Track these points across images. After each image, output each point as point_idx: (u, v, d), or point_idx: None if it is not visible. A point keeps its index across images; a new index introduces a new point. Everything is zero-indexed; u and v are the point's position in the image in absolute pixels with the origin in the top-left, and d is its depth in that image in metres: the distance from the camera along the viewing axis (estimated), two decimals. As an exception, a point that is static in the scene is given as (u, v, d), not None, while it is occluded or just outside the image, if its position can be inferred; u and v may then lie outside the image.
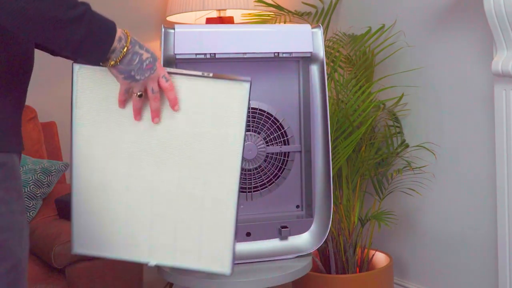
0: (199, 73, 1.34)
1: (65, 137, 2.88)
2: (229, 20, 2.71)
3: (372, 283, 2.18)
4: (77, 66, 1.28)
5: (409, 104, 2.36)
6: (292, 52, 1.76)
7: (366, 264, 2.31)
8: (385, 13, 2.42)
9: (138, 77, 1.21)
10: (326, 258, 2.34)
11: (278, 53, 1.75)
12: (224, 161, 1.41)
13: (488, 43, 2.06)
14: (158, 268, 1.77)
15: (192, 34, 1.73)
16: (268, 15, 2.64)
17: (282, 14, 2.63)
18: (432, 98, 2.29)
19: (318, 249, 2.34)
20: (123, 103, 1.29)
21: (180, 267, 1.43)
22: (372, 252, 2.37)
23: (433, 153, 2.27)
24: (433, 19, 2.25)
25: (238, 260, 1.77)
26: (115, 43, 1.15)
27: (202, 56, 1.74)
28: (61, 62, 2.87)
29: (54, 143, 2.70)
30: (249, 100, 1.39)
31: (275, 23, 2.64)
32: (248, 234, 1.79)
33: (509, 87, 1.89)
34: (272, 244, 1.82)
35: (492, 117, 2.05)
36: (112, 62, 1.17)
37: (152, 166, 1.39)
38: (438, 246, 2.32)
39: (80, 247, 1.43)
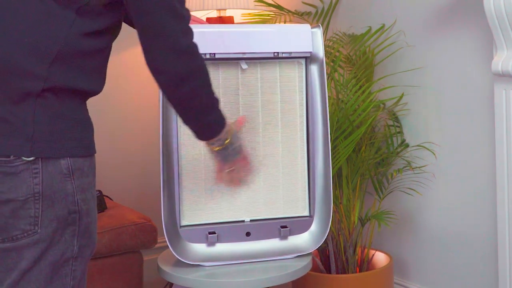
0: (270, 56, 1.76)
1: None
2: (229, 20, 2.71)
3: (372, 283, 2.18)
4: None
5: (409, 104, 2.36)
6: (291, 52, 1.76)
7: (366, 264, 2.31)
8: (385, 13, 2.42)
9: (230, 159, 1.46)
10: (326, 258, 2.33)
11: (278, 53, 1.75)
12: (292, 121, 1.79)
13: (488, 43, 2.06)
14: (158, 268, 1.77)
15: (192, 34, 1.73)
16: (268, 15, 2.64)
17: (282, 14, 2.63)
18: (432, 98, 2.29)
19: (318, 249, 2.34)
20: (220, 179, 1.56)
21: (270, 218, 1.81)
22: (372, 252, 2.37)
23: (433, 153, 2.27)
24: (433, 19, 2.25)
25: (238, 260, 1.77)
26: (222, 134, 1.39)
27: (202, 56, 1.74)
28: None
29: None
30: (307, 73, 1.80)
31: (275, 23, 2.64)
32: (248, 234, 1.79)
33: (509, 87, 1.89)
34: (272, 244, 1.81)
35: (492, 117, 2.05)
36: (216, 148, 1.41)
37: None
38: (438, 246, 2.32)
39: (187, 220, 1.76)
